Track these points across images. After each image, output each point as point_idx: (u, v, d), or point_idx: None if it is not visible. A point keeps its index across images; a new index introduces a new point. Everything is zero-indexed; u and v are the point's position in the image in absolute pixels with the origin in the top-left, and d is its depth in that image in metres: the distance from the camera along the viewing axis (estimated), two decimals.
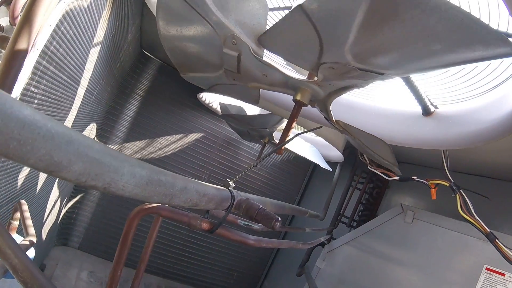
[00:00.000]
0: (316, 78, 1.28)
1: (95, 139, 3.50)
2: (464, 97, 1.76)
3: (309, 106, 1.57)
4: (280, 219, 1.10)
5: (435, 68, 0.97)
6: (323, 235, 3.04)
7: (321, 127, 1.55)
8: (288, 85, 1.43)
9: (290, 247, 1.78)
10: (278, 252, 4.70)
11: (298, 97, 1.40)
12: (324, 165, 3.56)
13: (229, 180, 1.13)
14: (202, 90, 3.37)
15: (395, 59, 0.94)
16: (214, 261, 4.41)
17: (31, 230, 1.08)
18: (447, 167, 1.84)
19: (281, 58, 1.59)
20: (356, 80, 1.15)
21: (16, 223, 1.24)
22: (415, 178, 1.99)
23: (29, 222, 1.12)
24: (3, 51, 0.83)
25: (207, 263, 4.37)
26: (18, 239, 1.16)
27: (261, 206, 1.12)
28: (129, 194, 0.60)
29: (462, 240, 2.02)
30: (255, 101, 1.70)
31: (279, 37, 1.08)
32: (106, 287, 1.04)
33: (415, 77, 1.80)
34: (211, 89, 1.67)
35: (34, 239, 1.04)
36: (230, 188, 1.11)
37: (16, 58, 0.77)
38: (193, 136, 4.15)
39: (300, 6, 0.87)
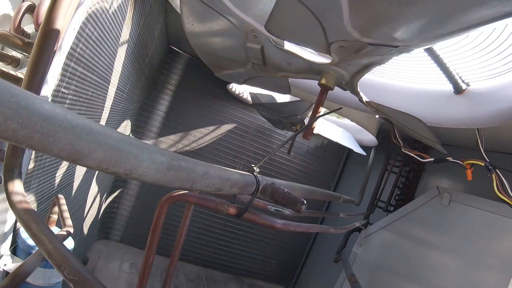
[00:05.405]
0: (331, 60, 1.29)
1: (130, 135, 3.63)
2: (497, 72, 1.69)
3: (339, 90, 1.58)
4: (305, 202, 1.11)
5: (450, 34, 0.90)
6: (360, 220, 3.01)
7: (341, 108, 1.56)
8: (313, 70, 1.44)
9: (321, 232, 1.79)
10: (316, 240, 4.70)
11: (323, 81, 1.41)
12: (358, 149, 3.52)
13: (253, 165, 1.15)
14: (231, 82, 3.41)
15: (401, 28, 0.90)
16: (252, 250, 4.48)
17: (68, 222, 1.16)
18: (482, 146, 1.78)
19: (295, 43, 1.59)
20: (374, 57, 1.14)
21: (55, 216, 1.33)
22: (450, 159, 1.93)
23: (67, 214, 1.20)
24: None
25: (245, 252, 4.45)
26: (57, 231, 1.24)
27: (286, 190, 1.14)
28: (151, 180, 0.64)
29: (499, 222, 1.95)
30: (286, 90, 1.75)
31: (281, 23, 1.08)
32: (139, 272, 1.10)
33: (443, 54, 1.74)
34: (244, 82, 1.76)
35: (71, 230, 1.12)
36: (254, 173, 1.13)
37: (41, 62, 0.82)
38: (226, 127, 4.21)
39: None
